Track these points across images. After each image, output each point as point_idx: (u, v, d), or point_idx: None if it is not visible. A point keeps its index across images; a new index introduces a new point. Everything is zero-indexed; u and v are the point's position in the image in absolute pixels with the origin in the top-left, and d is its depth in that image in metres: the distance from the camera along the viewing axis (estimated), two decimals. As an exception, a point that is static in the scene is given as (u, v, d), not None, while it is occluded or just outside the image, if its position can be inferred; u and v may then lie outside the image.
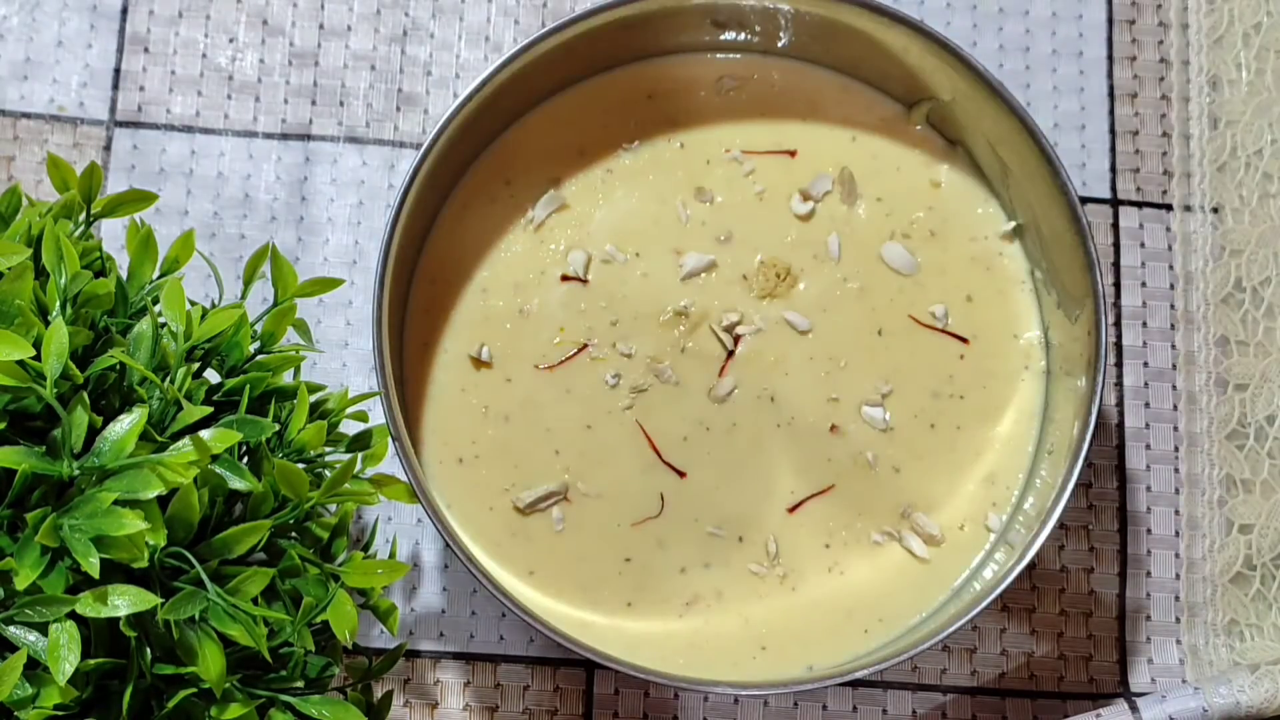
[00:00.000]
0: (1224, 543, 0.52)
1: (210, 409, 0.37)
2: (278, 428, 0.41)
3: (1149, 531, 0.53)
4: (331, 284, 0.44)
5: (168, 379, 0.38)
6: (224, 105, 0.55)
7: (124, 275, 0.41)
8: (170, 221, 0.53)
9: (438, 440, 0.49)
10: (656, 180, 0.51)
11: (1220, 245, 0.54)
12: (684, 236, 0.51)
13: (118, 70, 0.55)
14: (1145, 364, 0.54)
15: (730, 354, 0.50)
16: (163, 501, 0.35)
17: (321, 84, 0.55)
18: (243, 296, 0.44)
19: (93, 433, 0.36)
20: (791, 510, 0.49)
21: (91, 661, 0.36)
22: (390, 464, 0.45)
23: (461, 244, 0.51)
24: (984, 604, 0.45)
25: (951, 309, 0.50)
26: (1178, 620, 0.52)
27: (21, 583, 0.33)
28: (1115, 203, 0.55)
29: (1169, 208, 0.55)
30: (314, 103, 0.55)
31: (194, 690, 0.37)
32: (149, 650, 0.37)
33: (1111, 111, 0.56)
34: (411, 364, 0.50)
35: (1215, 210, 0.54)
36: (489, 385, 0.50)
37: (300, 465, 0.41)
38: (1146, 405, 0.54)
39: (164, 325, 0.39)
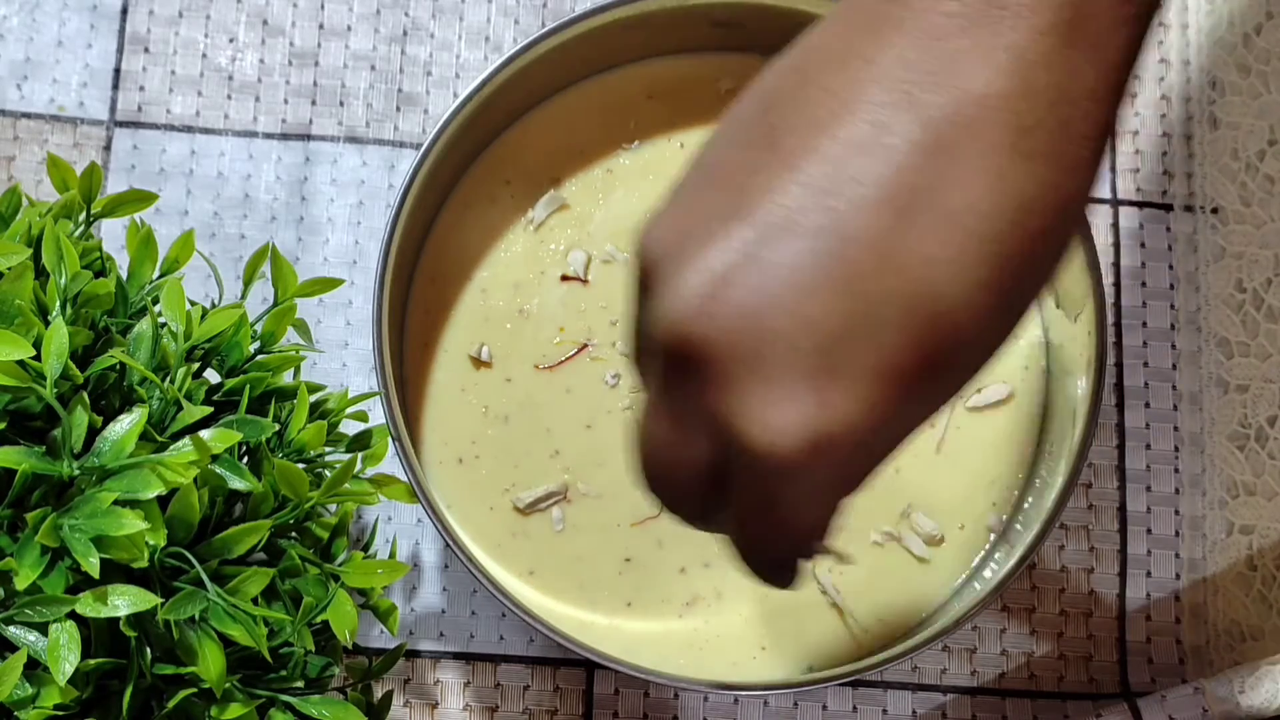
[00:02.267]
0: (1224, 544, 0.52)
1: (210, 409, 0.37)
2: (278, 428, 0.41)
3: (1149, 531, 0.53)
4: (331, 284, 0.44)
5: (168, 379, 0.38)
6: (224, 105, 0.55)
7: (124, 275, 0.41)
8: (170, 221, 0.53)
9: (438, 440, 0.49)
10: (656, 180, 0.51)
11: (1220, 246, 0.54)
12: (684, 236, 0.51)
13: (118, 70, 0.55)
14: (1145, 364, 0.54)
15: (730, 354, 0.50)
16: (163, 501, 0.35)
17: (321, 84, 0.55)
18: (243, 296, 0.44)
19: (93, 433, 0.36)
20: (791, 510, 0.49)
21: (91, 661, 0.36)
22: (390, 464, 0.45)
23: (461, 244, 0.51)
24: (984, 604, 0.45)
25: (951, 309, 0.50)
26: (1178, 620, 0.52)
27: (21, 583, 0.33)
28: (1115, 203, 0.55)
29: (1169, 208, 0.55)
30: (314, 103, 0.55)
31: (194, 690, 0.37)
32: (149, 650, 0.37)
33: (1112, 112, 0.56)
34: (411, 364, 0.50)
35: (1215, 211, 0.54)
36: (489, 385, 0.50)
37: (300, 465, 0.41)
38: (1146, 405, 0.54)
39: (164, 325, 0.39)
